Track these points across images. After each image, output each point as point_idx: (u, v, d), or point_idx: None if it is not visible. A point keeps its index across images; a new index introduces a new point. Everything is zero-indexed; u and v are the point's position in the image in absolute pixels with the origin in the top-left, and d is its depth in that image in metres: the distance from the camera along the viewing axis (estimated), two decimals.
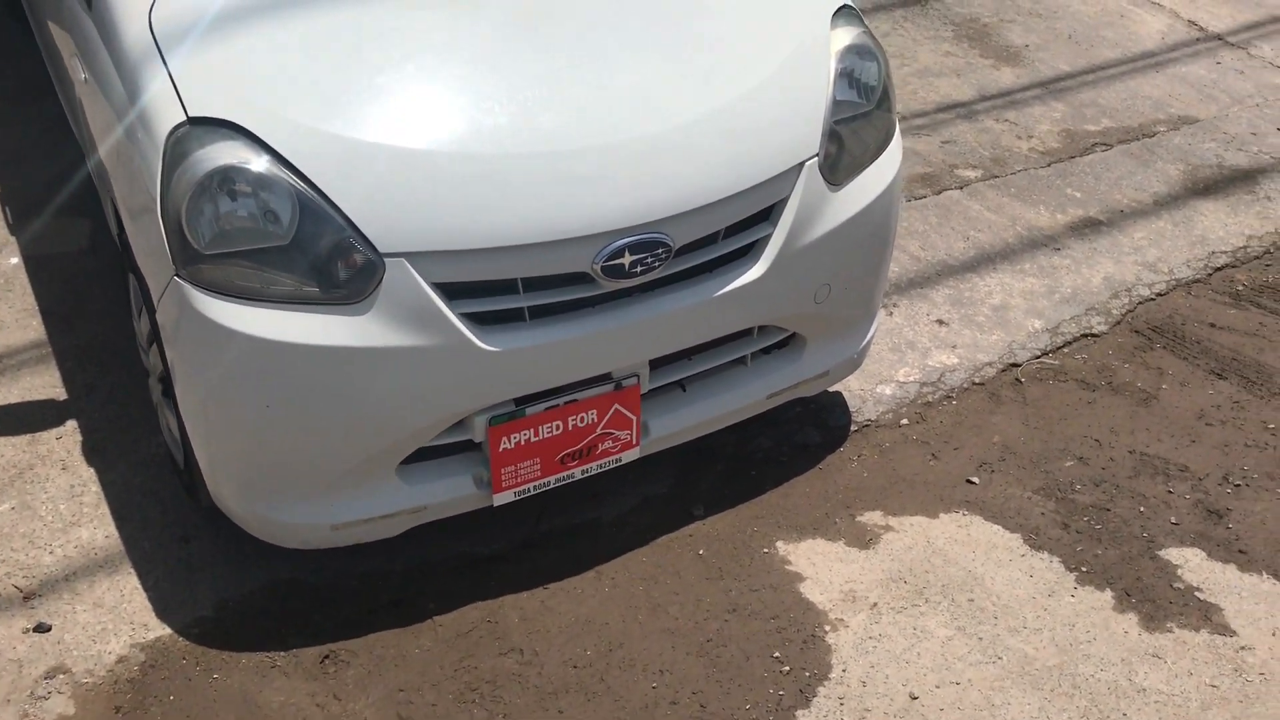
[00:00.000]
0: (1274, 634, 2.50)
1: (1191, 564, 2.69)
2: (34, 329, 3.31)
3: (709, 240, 2.49)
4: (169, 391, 2.60)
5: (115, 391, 3.11)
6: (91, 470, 2.89)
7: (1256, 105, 4.81)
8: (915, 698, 2.36)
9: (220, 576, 2.64)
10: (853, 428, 3.13)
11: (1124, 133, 4.55)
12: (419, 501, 2.48)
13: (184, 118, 2.22)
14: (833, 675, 2.42)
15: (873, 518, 2.84)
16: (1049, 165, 4.33)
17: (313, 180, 2.20)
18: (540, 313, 2.38)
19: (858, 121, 2.67)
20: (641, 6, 2.62)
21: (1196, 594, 2.60)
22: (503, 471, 2.50)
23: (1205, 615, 2.55)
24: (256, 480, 2.39)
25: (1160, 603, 2.58)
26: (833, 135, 2.61)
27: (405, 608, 2.59)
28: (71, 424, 3.01)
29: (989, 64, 4.94)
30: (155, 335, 2.48)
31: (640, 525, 2.80)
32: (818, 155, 2.59)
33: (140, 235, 2.35)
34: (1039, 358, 3.43)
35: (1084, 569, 2.67)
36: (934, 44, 5.06)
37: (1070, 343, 3.49)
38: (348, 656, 2.47)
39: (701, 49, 2.58)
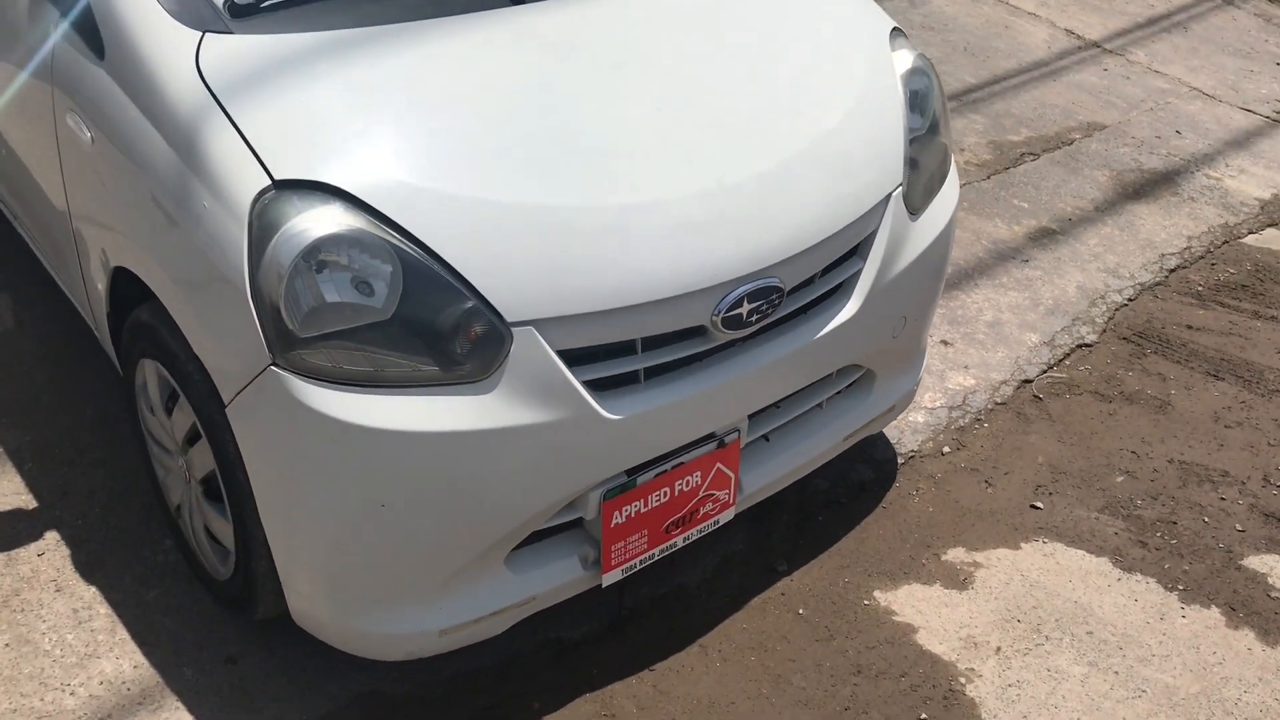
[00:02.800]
0: None
1: (1276, 571, 2.70)
2: None
3: (807, 281, 2.34)
4: (213, 494, 2.26)
5: (95, 494, 2.70)
6: (92, 589, 2.49)
7: (1150, 109, 5.01)
8: None
9: (287, 698, 2.30)
10: (900, 460, 3.03)
11: (1044, 142, 4.65)
12: (529, 592, 2.22)
13: (269, 182, 1.90)
14: None
15: (957, 555, 2.74)
16: (988, 177, 4.37)
17: (428, 245, 1.92)
18: (653, 373, 2.17)
19: (922, 145, 2.58)
20: (717, 42, 2.44)
21: None
22: (613, 549, 2.27)
23: None
24: (357, 589, 2.09)
25: (1266, 614, 2.58)
26: (911, 162, 2.51)
27: (507, 710, 2.32)
28: (52, 536, 2.59)
29: None
30: (207, 431, 2.13)
31: (728, 588, 2.62)
32: (902, 185, 2.47)
33: (203, 319, 2.00)
34: (1046, 372, 3.42)
35: (1181, 587, 2.65)
36: None
37: (1069, 354, 3.50)
38: None
39: (783, 81, 2.43)
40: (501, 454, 2.01)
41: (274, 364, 1.90)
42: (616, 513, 2.23)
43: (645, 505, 2.28)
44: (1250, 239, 4.21)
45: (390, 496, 1.97)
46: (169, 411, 2.31)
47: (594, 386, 2.07)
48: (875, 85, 2.51)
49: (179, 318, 2.06)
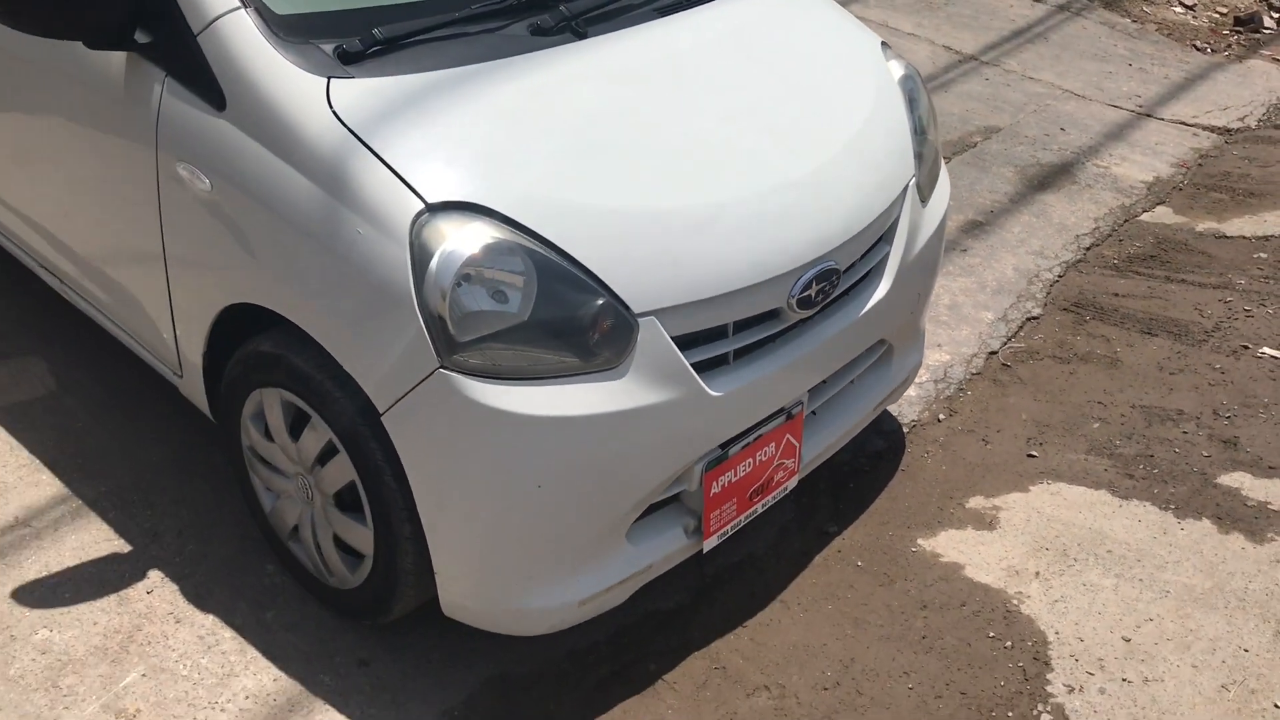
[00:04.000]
0: None
1: (1246, 485, 3.13)
2: (48, 484, 2.92)
3: (852, 265, 2.66)
4: (345, 507, 2.43)
5: (184, 532, 2.82)
6: (210, 616, 2.62)
7: (1034, 111, 5.54)
8: (1128, 639, 2.63)
9: (427, 689, 2.48)
10: (905, 430, 3.37)
11: (951, 146, 5.11)
12: (646, 561, 2.46)
13: (423, 205, 2.12)
14: (1051, 639, 2.63)
15: (978, 502, 3.09)
16: None
17: (566, 250, 2.17)
18: (740, 354, 2.45)
19: (921, 140, 2.93)
20: (752, 60, 2.75)
21: (1269, 507, 3.04)
22: (712, 516, 2.53)
23: None
24: (510, 569, 2.30)
25: (1248, 519, 3.00)
26: (917, 156, 2.86)
27: (628, 675, 2.55)
28: (156, 574, 2.71)
29: None
30: (350, 443, 2.31)
31: (791, 552, 2.90)
32: (915, 176, 2.82)
33: (358, 335, 2.19)
34: (1007, 343, 3.82)
35: (1173, 506, 3.05)
36: None
37: (1021, 326, 3.91)
38: None
39: (813, 90, 2.75)
40: (633, 432, 2.26)
41: (442, 367, 2.11)
42: (714, 482, 2.50)
43: (735, 475, 2.55)
44: (1145, 216, 4.73)
45: (545, 477, 2.20)
46: (294, 435, 2.47)
47: (698, 368, 2.33)
48: (883, 91, 2.86)
49: (325, 338, 2.25)
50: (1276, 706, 2.46)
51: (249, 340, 2.50)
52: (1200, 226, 4.64)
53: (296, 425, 2.47)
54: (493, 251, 2.12)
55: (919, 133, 2.91)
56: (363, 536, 2.42)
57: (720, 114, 2.55)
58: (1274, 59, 6.71)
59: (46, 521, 2.81)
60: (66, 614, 2.60)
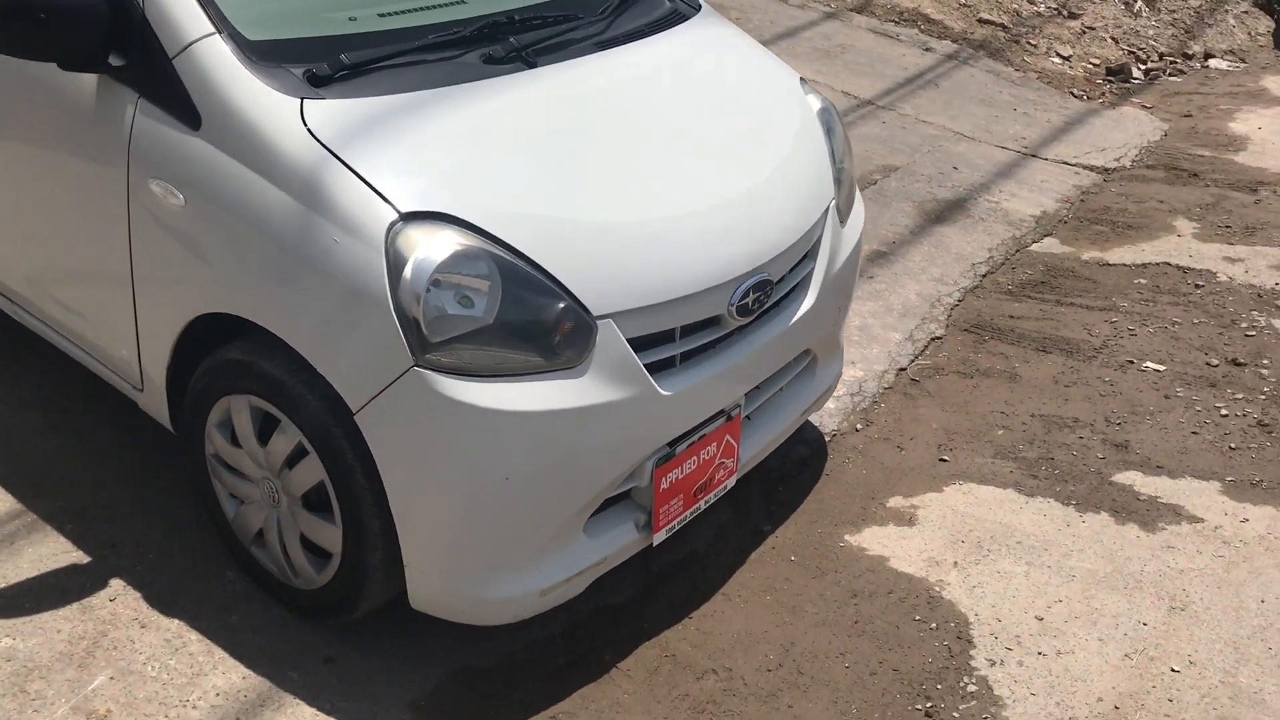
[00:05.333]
0: (1225, 514, 3.27)
1: (1138, 482, 3.42)
2: (1, 499, 2.97)
3: (783, 278, 2.88)
4: (314, 505, 2.55)
5: (143, 542, 2.89)
6: (176, 621, 2.70)
7: (929, 151, 5.89)
8: (1041, 618, 2.86)
9: (391, 684, 2.60)
10: (826, 438, 3.59)
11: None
12: (602, 553, 2.62)
13: (396, 214, 2.28)
14: (971, 620, 2.86)
15: (897, 502, 3.31)
16: None
17: (531, 258, 2.34)
18: (685, 357, 2.64)
19: (838, 167, 3.18)
20: (688, 89, 2.98)
21: (1159, 500, 3.33)
22: (661, 511, 2.71)
23: (1176, 513, 3.27)
24: (478, 560, 2.44)
25: (1142, 512, 3.28)
26: (836, 181, 3.11)
27: (584, 664, 2.70)
28: (118, 582, 2.78)
29: None
30: (321, 444, 2.43)
31: (730, 549, 3.08)
32: (835, 197, 3.06)
33: (332, 339, 2.33)
34: (914, 360, 4.09)
35: (1073, 503, 3.32)
36: None
37: (927, 345, 4.19)
38: (568, 718, 2.55)
39: (745, 118, 2.98)
40: (593, 427, 2.43)
41: (416, 365, 2.26)
42: (664, 478, 2.67)
43: (681, 472, 2.73)
44: (1035, 247, 5.08)
45: (512, 469, 2.35)
46: (263, 440, 2.58)
47: (650, 370, 2.52)
48: (804, 121, 3.10)
49: (299, 343, 2.37)
50: (1173, 670, 2.71)
51: (215, 350, 2.60)
52: (1085, 255, 4.99)
53: (264, 430, 2.58)
54: (462, 258, 2.28)
55: (836, 160, 3.16)
56: (331, 535, 2.53)
57: (662, 138, 2.76)
58: (1143, 106, 7.21)
59: (1, 536, 2.85)
60: (29, 622, 2.65)
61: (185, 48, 2.44)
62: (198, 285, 2.54)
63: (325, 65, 2.47)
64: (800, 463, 3.46)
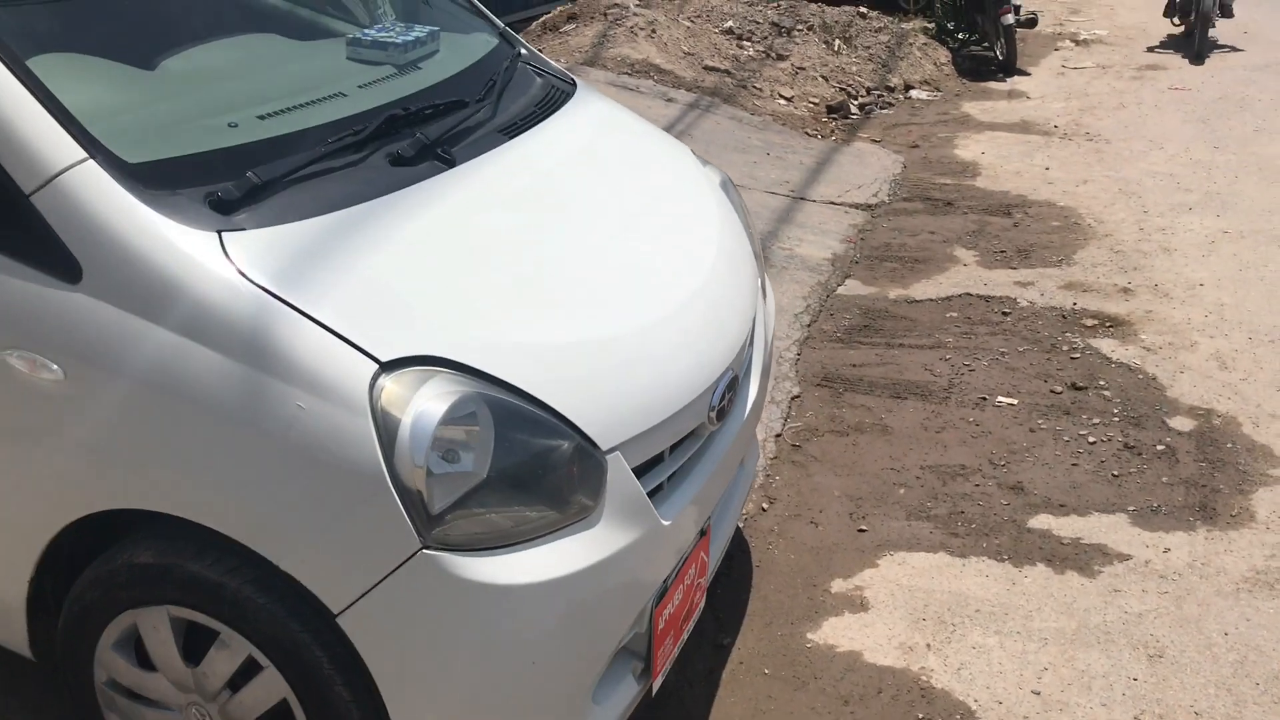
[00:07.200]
0: (1146, 546, 3.29)
1: (1053, 525, 3.40)
2: None
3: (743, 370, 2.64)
4: None
5: None
6: None
7: None
8: (1037, 692, 2.74)
9: None
10: (740, 524, 3.36)
11: None
12: (614, 717, 2.27)
13: (376, 365, 1.85)
14: (974, 707, 2.70)
15: (839, 585, 3.13)
16: None
17: (532, 394, 1.98)
18: (671, 478, 2.35)
19: (753, 240, 2.98)
20: (611, 175, 2.69)
21: (1082, 542, 3.31)
22: (659, 652, 2.38)
23: (1103, 553, 3.26)
24: None
25: (1071, 558, 3.24)
26: (755, 255, 2.90)
27: None
28: None
29: None
30: (284, 655, 1.95)
31: (698, 674, 2.80)
32: (762, 274, 2.86)
33: (302, 529, 1.86)
34: (785, 424, 3.94)
35: (1005, 557, 3.25)
36: None
37: (790, 406, 4.06)
38: None
39: (673, 203, 2.72)
40: (611, 579, 2.09)
41: (425, 547, 1.84)
42: (660, 617, 2.35)
43: (673, 605, 2.42)
44: (841, 290, 5.09)
45: (538, 648, 1.97)
46: (190, 659, 2.05)
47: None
48: (719, 199, 2.88)
49: (252, 537, 1.89)
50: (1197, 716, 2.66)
51: (104, 556, 2.06)
52: (892, 294, 5.04)
53: (189, 645, 2.06)
54: (460, 405, 1.88)
55: (749, 233, 2.95)
56: None
57: (607, 233, 2.46)
58: (871, 139, 7.49)
59: None
60: None
61: (49, 180, 1.90)
62: (81, 479, 1.99)
63: (230, 187, 2.00)
64: (727, 558, 3.20)
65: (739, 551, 3.23)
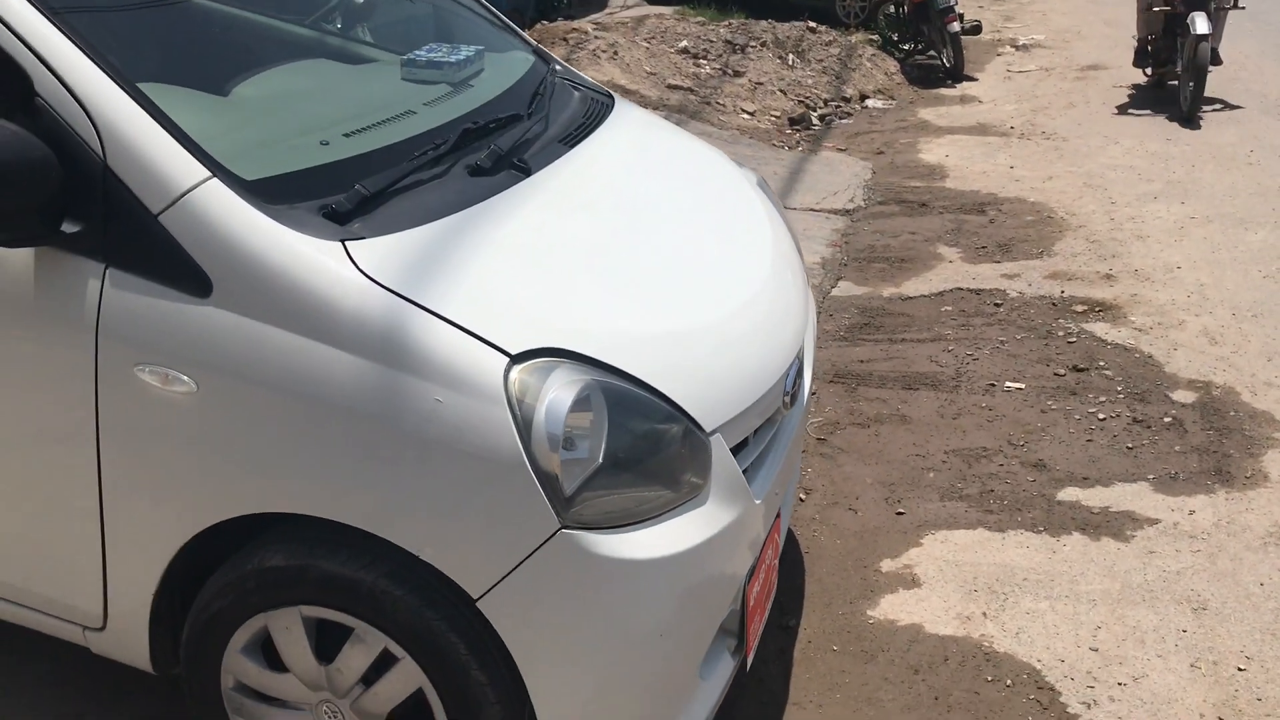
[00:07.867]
0: (1172, 510, 3.46)
1: (1081, 497, 3.55)
2: None
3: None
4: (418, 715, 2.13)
5: None
6: None
7: None
8: (1095, 649, 2.88)
9: None
10: None
11: None
12: (716, 693, 2.37)
13: (507, 358, 1.95)
14: (1039, 667, 2.83)
15: (889, 565, 3.25)
16: None
17: (645, 381, 2.08)
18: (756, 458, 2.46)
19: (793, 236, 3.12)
20: (670, 179, 2.83)
21: (1111, 510, 3.47)
22: (751, 627, 2.48)
23: (1132, 519, 3.42)
24: None
25: (1104, 525, 3.40)
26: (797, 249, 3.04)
27: None
28: None
29: None
30: (420, 645, 2.03)
31: (772, 655, 2.90)
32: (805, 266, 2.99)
33: (443, 518, 1.95)
34: (808, 418, 4.06)
35: (1041, 529, 3.39)
36: None
37: (808, 400, 4.18)
38: None
39: (728, 201, 2.85)
40: (720, 555, 2.19)
41: (564, 527, 1.93)
42: (750, 593, 2.45)
43: (759, 582, 2.52)
44: (836, 292, 5.24)
45: (665, 622, 2.07)
46: (324, 657, 2.12)
47: None
48: (761, 197, 3.01)
49: (392, 531, 1.97)
50: (1239, 670, 2.80)
51: (231, 561, 2.13)
52: (885, 293, 5.20)
53: (322, 644, 2.12)
54: (584, 392, 1.98)
55: (790, 228, 3.08)
56: None
57: (683, 231, 2.59)
58: (837, 148, 7.68)
59: None
60: None
61: (176, 199, 1.97)
62: (213, 487, 2.05)
63: (343, 199, 2.09)
64: None
65: (786, 540, 3.33)
